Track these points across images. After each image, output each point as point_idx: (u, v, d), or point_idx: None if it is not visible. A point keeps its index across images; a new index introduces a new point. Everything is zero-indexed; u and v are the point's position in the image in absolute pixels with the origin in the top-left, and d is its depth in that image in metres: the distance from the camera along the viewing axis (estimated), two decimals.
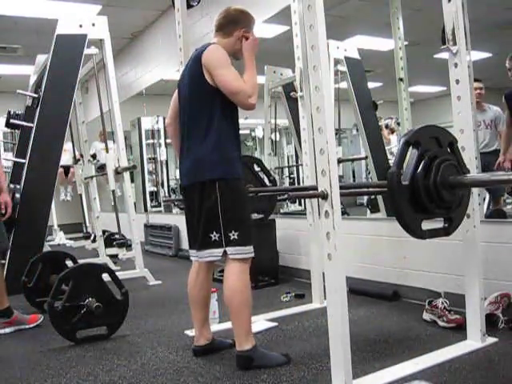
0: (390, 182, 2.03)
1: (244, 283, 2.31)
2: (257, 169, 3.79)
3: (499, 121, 4.00)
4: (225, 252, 2.29)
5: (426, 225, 2.15)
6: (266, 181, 3.80)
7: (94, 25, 4.45)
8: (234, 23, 2.43)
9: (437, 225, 2.24)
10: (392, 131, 5.26)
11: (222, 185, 2.28)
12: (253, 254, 2.35)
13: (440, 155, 2.10)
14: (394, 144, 5.13)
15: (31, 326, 3.20)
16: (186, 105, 2.42)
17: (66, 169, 8.20)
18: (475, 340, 2.39)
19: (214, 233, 2.29)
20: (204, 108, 2.32)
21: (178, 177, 7.59)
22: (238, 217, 2.32)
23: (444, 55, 2.41)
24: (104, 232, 5.79)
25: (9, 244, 3.24)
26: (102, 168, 6.20)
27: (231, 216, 2.29)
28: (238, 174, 2.36)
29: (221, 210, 2.27)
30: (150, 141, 7.85)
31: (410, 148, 2.09)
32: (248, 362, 2.28)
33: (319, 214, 1.98)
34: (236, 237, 2.28)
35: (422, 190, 2.05)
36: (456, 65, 2.34)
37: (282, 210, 5.69)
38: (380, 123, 5.06)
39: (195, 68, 2.33)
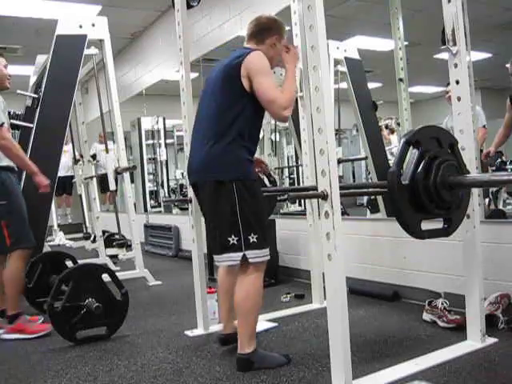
0: (390, 181, 2.03)
1: (257, 288, 2.28)
2: (257, 169, 3.78)
3: (475, 119, 3.98)
4: (244, 256, 2.23)
5: (426, 225, 2.15)
6: (266, 181, 3.80)
7: (93, 25, 4.44)
8: (266, 31, 2.42)
9: (437, 225, 2.24)
10: (392, 131, 5.26)
11: (240, 186, 2.22)
12: (269, 257, 2.31)
13: (440, 155, 2.10)
14: (394, 144, 5.13)
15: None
16: (210, 100, 2.36)
17: (63, 183, 8.05)
18: (475, 340, 2.39)
19: (233, 236, 2.23)
20: (231, 107, 2.27)
21: (177, 177, 7.62)
22: (257, 219, 2.26)
23: (444, 56, 2.41)
24: (104, 232, 5.79)
25: (34, 242, 3.22)
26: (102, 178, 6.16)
27: (250, 218, 2.24)
28: (253, 175, 2.35)
29: (239, 212, 2.21)
30: (150, 141, 7.86)
31: (411, 148, 2.09)
32: (248, 364, 2.28)
33: (319, 215, 1.98)
34: (255, 240, 2.24)
35: (421, 189, 2.05)
36: (456, 65, 2.34)
37: (281, 211, 5.70)
38: (380, 123, 5.06)
39: (233, 69, 2.27)
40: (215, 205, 2.27)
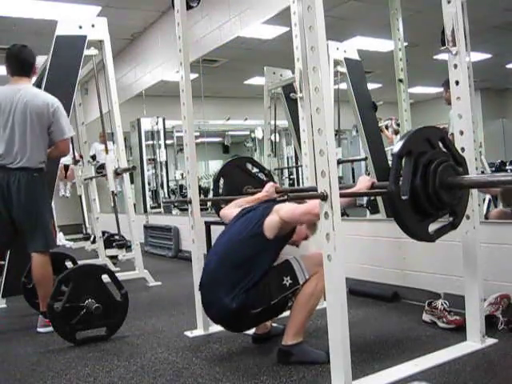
0: (390, 200, 2.00)
1: (319, 291, 2.33)
2: (255, 169, 3.78)
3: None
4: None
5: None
6: (263, 177, 3.77)
7: (93, 26, 4.45)
8: None
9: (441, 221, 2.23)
10: (396, 132, 5.26)
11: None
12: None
13: (434, 158, 2.07)
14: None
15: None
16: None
17: (66, 167, 8.15)
18: (475, 341, 2.39)
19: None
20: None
21: (177, 178, 7.62)
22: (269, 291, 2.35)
23: (444, 56, 2.42)
24: (104, 233, 5.79)
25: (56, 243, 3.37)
26: (101, 167, 6.20)
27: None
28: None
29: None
30: (150, 142, 7.86)
31: (404, 158, 2.06)
32: (287, 356, 2.34)
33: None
34: (291, 280, 2.34)
35: (423, 199, 2.03)
36: (456, 66, 2.34)
37: None
38: (380, 124, 5.05)
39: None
40: None
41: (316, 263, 2.24)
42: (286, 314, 3.21)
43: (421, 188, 2.03)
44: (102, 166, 5.73)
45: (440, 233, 2.18)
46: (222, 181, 3.52)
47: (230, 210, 2.76)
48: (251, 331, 2.83)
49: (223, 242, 2.48)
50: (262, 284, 2.31)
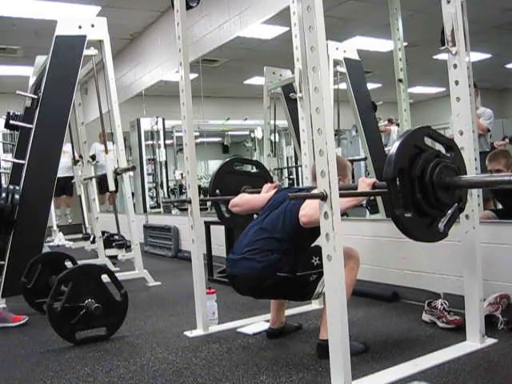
0: (396, 221, 2.00)
1: (350, 281, 2.36)
2: (255, 170, 3.76)
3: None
4: None
5: None
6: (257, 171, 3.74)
7: (93, 26, 4.44)
8: None
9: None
10: (390, 121, 5.23)
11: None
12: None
13: (427, 164, 2.05)
14: (395, 134, 5.13)
15: (15, 324, 3.28)
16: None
17: (63, 184, 8.03)
18: (474, 341, 2.39)
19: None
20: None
21: (177, 178, 7.62)
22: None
23: (443, 56, 2.42)
24: (103, 233, 5.79)
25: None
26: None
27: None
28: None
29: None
30: (150, 142, 7.86)
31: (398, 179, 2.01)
32: (327, 350, 2.28)
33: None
34: (319, 261, 2.38)
35: (426, 208, 2.04)
36: (455, 66, 2.34)
37: None
38: (379, 124, 5.06)
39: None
40: None
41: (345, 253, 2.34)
42: (295, 310, 3.22)
43: (422, 200, 2.03)
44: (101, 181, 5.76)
45: (450, 224, 2.14)
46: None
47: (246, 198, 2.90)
48: (251, 330, 2.84)
49: (261, 222, 2.57)
50: (293, 255, 2.42)
